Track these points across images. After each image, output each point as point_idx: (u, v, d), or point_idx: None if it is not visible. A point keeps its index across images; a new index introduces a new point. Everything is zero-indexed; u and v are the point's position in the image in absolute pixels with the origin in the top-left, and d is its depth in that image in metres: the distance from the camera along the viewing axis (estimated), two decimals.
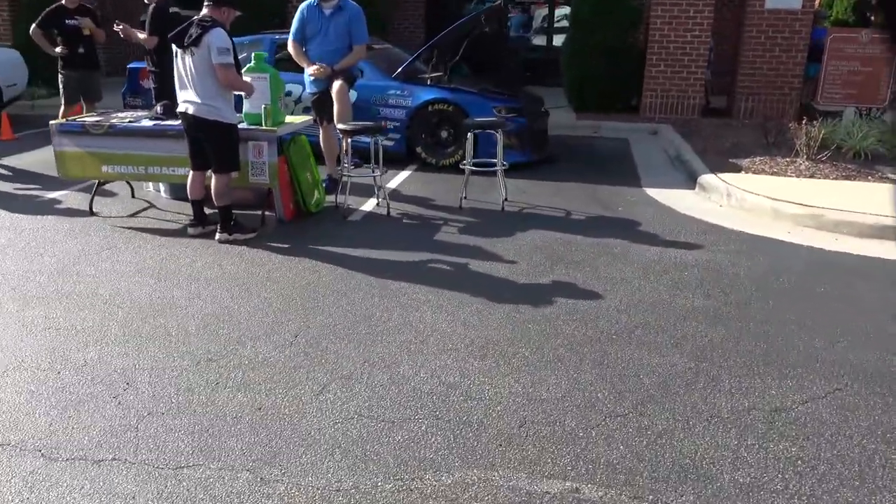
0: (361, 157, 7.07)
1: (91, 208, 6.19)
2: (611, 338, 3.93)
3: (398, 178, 7.59)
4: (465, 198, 6.76)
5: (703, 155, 8.18)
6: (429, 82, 8.34)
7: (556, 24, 15.54)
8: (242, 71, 5.68)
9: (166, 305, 4.30)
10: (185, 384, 3.41)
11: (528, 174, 7.75)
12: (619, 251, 5.35)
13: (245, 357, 3.67)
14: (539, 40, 16.35)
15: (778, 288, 4.70)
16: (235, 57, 5.25)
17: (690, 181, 7.48)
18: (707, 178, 7.10)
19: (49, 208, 6.35)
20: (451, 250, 5.31)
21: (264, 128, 5.69)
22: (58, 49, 7.93)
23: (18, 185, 7.14)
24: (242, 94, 5.54)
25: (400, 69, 8.19)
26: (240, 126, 5.68)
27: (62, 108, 8.09)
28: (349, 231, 5.81)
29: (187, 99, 5.24)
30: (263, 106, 5.64)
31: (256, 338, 3.88)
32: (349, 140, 6.23)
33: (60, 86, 8.09)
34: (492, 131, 6.70)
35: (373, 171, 6.43)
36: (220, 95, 5.17)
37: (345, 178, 6.29)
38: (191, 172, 5.53)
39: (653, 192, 7.12)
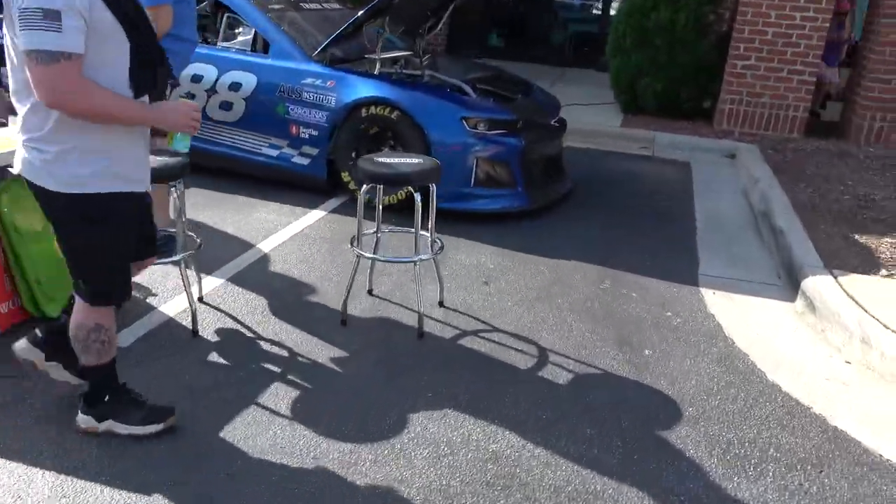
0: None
1: None
2: None
3: (293, 228, 4.60)
4: (370, 291, 3.77)
5: (810, 217, 4.92)
6: (378, 68, 5.26)
7: None
8: None
9: None
10: None
11: (511, 235, 4.67)
12: None
13: None
14: (596, 10, 12.89)
15: None
16: (146, 21, 2.22)
17: (788, 280, 4.26)
18: (818, 289, 3.80)
19: None
20: (222, 494, 2.32)
21: None
22: None
23: None
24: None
25: (325, 43, 5.10)
26: None
27: None
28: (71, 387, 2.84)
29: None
30: None
31: None
32: None
33: None
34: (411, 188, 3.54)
35: (178, 250, 3.39)
36: (52, 127, 2.14)
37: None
38: None
39: (716, 300, 3.94)
